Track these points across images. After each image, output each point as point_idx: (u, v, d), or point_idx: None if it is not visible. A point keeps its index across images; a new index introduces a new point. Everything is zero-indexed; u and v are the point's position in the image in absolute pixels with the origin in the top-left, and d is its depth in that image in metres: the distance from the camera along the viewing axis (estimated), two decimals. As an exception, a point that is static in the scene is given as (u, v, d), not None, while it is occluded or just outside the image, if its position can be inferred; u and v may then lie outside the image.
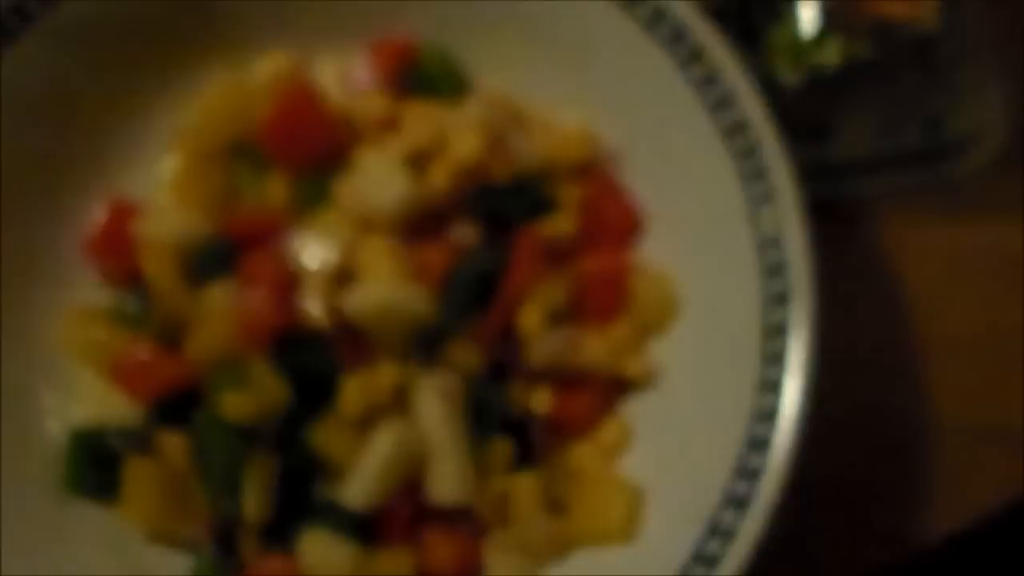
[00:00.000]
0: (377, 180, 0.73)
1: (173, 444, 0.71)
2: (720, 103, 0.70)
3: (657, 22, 0.71)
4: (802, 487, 0.66)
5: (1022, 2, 0.83)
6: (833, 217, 0.76)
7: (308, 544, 0.70)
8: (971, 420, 0.80)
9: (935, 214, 0.82)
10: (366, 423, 0.71)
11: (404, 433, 0.70)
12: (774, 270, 0.68)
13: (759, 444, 0.66)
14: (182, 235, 0.74)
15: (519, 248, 0.73)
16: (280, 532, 0.71)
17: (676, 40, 0.71)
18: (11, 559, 0.70)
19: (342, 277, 0.72)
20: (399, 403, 0.71)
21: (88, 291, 0.77)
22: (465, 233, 0.73)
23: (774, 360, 0.67)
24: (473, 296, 0.72)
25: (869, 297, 0.82)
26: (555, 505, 0.72)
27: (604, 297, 0.74)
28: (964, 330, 0.81)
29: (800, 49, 0.77)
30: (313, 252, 0.73)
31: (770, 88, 0.75)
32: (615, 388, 0.74)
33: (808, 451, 0.66)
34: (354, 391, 0.70)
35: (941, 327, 0.81)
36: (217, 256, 0.73)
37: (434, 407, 0.70)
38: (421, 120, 0.75)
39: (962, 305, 0.81)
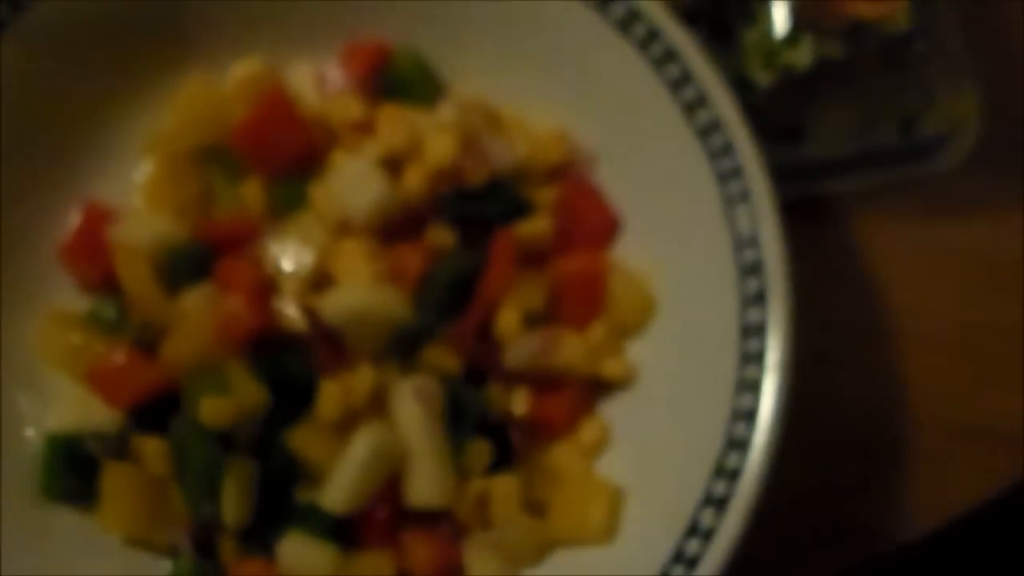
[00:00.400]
0: (352, 183, 0.73)
1: (151, 449, 0.71)
2: (694, 103, 0.70)
3: (631, 23, 0.71)
4: (780, 486, 0.66)
5: None
6: (808, 217, 0.77)
7: (288, 548, 0.70)
8: (948, 418, 0.80)
9: (909, 213, 0.82)
10: (344, 426, 0.70)
11: (382, 436, 0.70)
12: (750, 270, 0.68)
13: (738, 444, 0.67)
14: (157, 240, 0.74)
15: (495, 250, 0.73)
16: (259, 536, 0.71)
17: (650, 41, 0.71)
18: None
19: (318, 281, 0.73)
20: (377, 406, 0.71)
21: (64, 296, 0.76)
22: (441, 236, 0.73)
23: (752, 359, 0.67)
24: (450, 298, 0.72)
25: (844, 296, 0.82)
26: (534, 506, 0.72)
27: (581, 298, 0.74)
28: (940, 328, 0.81)
29: (772, 49, 0.77)
30: (289, 256, 0.73)
31: (743, 88, 0.76)
32: (593, 389, 0.74)
33: (786, 450, 0.66)
34: (332, 394, 0.70)
35: (917, 325, 0.81)
36: (193, 261, 0.73)
37: (412, 410, 0.70)
38: (396, 123, 0.75)
39: (937, 303, 0.82)
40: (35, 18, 0.73)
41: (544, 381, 0.73)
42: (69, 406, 0.73)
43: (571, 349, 0.73)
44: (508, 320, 0.72)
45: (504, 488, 0.72)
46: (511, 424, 0.73)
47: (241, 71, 0.78)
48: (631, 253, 0.75)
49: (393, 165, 0.74)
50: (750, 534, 0.66)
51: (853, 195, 0.82)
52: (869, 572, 0.79)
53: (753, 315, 0.68)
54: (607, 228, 0.75)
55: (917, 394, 0.81)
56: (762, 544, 0.66)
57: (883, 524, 0.79)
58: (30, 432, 0.74)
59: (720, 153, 0.70)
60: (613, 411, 0.74)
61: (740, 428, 0.67)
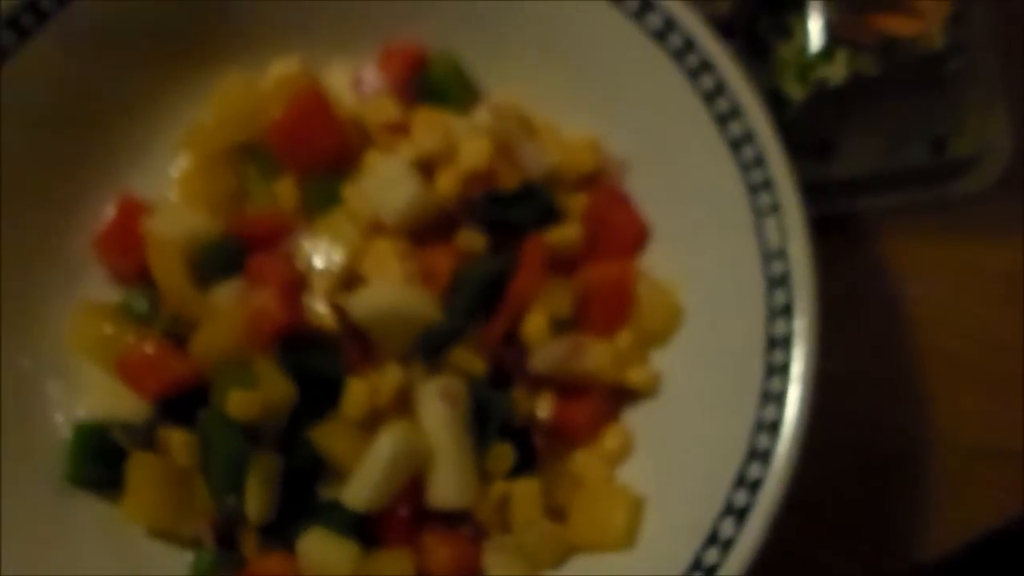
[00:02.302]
0: (386, 184, 0.74)
1: (177, 441, 0.72)
2: (727, 115, 0.71)
3: (666, 33, 0.72)
4: (800, 500, 0.66)
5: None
6: (836, 233, 0.77)
7: (309, 543, 0.71)
8: (970, 439, 0.80)
9: (938, 232, 0.82)
10: (369, 425, 0.71)
11: (407, 436, 0.70)
12: (778, 282, 0.69)
13: (760, 455, 0.67)
14: (190, 234, 0.74)
15: (525, 255, 0.73)
16: (281, 531, 0.71)
17: (685, 52, 0.72)
18: (11, 548, 0.70)
19: (349, 279, 0.73)
20: (402, 406, 0.72)
21: (97, 287, 0.77)
22: (471, 239, 0.74)
23: (777, 371, 0.68)
24: (478, 301, 0.73)
25: (870, 314, 0.82)
26: (555, 511, 0.73)
27: (608, 306, 0.75)
28: (965, 348, 0.81)
29: (807, 64, 0.77)
30: (320, 254, 0.74)
31: (776, 102, 0.76)
32: (617, 396, 0.75)
33: (806, 465, 0.66)
34: (358, 393, 0.70)
35: (941, 345, 0.81)
36: (225, 255, 0.74)
37: (437, 411, 0.71)
38: (430, 126, 0.75)
39: (963, 323, 0.82)
40: (78, 13, 0.74)
41: (569, 387, 0.74)
42: (98, 395, 0.74)
43: (597, 356, 0.73)
44: (535, 325, 0.73)
45: (525, 492, 0.72)
46: (534, 428, 0.73)
47: (279, 70, 0.78)
48: (659, 262, 0.76)
49: (426, 167, 0.74)
50: (768, 547, 0.66)
51: (881, 213, 0.82)
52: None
53: (779, 327, 0.68)
54: (636, 236, 0.76)
55: (937, 413, 0.81)
56: (777, 555, 0.66)
57: (898, 543, 0.79)
58: (58, 419, 0.75)
59: (751, 165, 0.70)
60: (636, 419, 0.75)
61: (763, 439, 0.67)
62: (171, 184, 0.78)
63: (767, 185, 0.70)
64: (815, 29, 0.77)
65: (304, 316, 0.72)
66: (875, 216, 0.82)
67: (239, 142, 0.77)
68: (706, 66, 0.71)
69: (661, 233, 0.76)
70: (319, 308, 0.72)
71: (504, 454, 0.72)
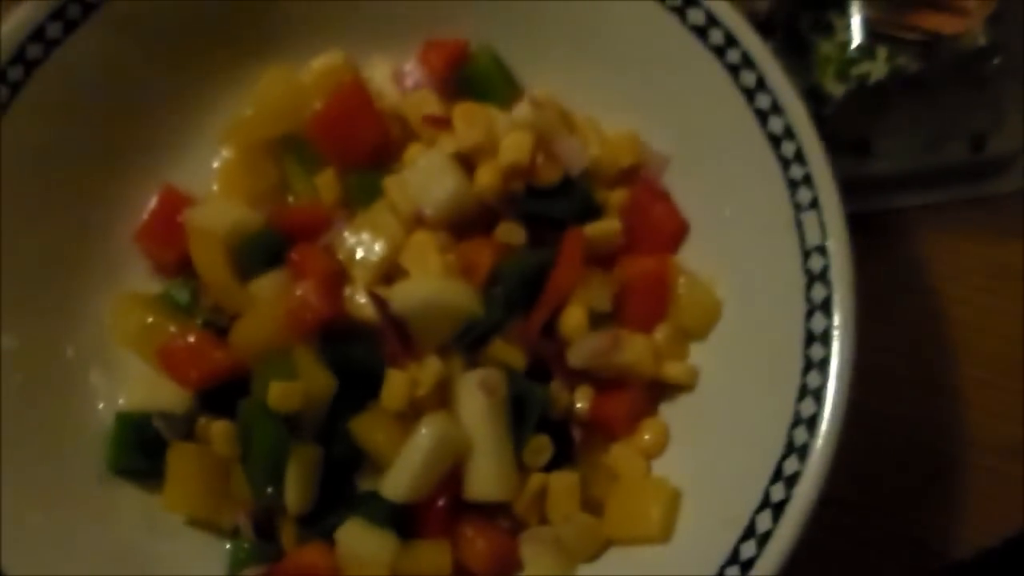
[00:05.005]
0: (427, 177, 0.74)
1: (217, 431, 0.72)
2: (767, 110, 0.71)
3: (707, 29, 0.72)
4: (835, 496, 0.66)
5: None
6: (872, 230, 0.77)
7: (347, 534, 0.71)
8: (1006, 437, 0.80)
9: (975, 230, 0.82)
10: (408, 417, 0.71)
11: (446, 427, 0.70)
12: (817, 277, 0.69)
13: (798, 449, 0.67)
14: (232, 226, 0.75)
15: (564, 249, 0.74)
16: (320, 522, 0.72)
17: (725, 48, 0.72)
18: (54, 534, 0.71)
19: (390, 271, 0.74)
20: (442, 398, 0.72)
21: (139, 278, 0.78)
22: (511, 232, 0.74)
23: (815, 366, 0.68)
24: (518, 294, 0.73)
25: (906, 310, 0.82)
26: (592, 504, 0.73)
27: (647, 300, 0.75)
28: (1001, 346, 0.81)
29: (847, 60, 0.77)
30: (361, 246, 0.74)
31: (815, 99, 0.76)
32: (655, 390, 0.75)
33: (842, 460, 0.66)
34: (398, 384, 0.71)
35: (977, 342, 0.81)
36: (266, 247, 0.75)
37: (476, 402, 0.71)
38: (471, 120, 0.76)
39: (997, 321, 0.82)
40: (123, 5, 0.75)
41: (607, 380, 0.74)
42: (139, 385, 0.75)
43: (635, 350, 0.73)
44: (574, 318, 0.73)
45: (563, 484, 0.72)
46: (572, 421, 0.74)
47: (321, 63, 0.79)
48: (698, 257, 0.76)
49: (467, 161, 0.75)
50: (804, 541, 0.66)
51: (918, 210, 0.82)
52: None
53: (818, 322, 0.68)
54: (675, 231, 0.76)
55: (974, 411, 0.81)
56: (811, 549, 0.66)
57: (933, 539, 0.79)
58: (101, 408, 0.76)
59: (791, 161, 0.70)
60: (674, 413, 0.75)
61: (800, 434, 0.67)
62: (213, 176, 0.79)
63: (807, 181, 0.70)
64: (856, 26, 0.77)
65: (345, 308, 0.73)
66: (913, 213, 0.83)
67: (280, 135, 0.77)
68: (747, 62, 0.71)
69: (700, 228, 0.76)
70: (359, 300, 0.73)
71: (542, 447, 0.72)
